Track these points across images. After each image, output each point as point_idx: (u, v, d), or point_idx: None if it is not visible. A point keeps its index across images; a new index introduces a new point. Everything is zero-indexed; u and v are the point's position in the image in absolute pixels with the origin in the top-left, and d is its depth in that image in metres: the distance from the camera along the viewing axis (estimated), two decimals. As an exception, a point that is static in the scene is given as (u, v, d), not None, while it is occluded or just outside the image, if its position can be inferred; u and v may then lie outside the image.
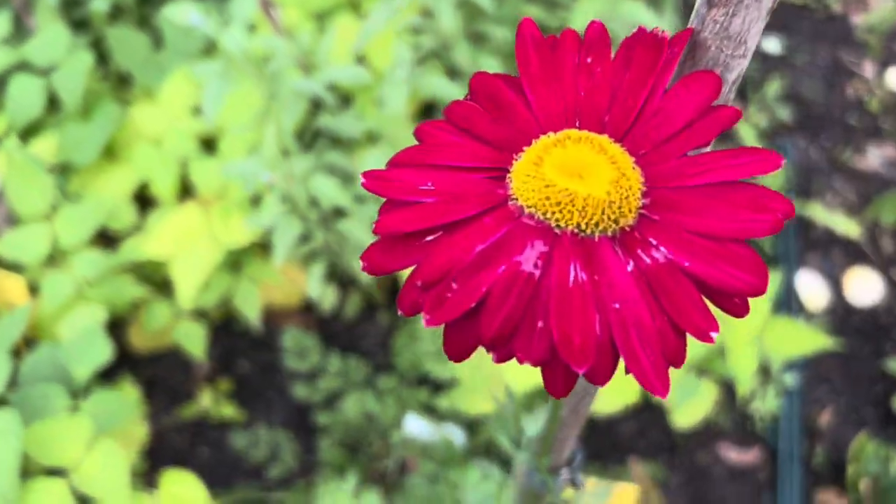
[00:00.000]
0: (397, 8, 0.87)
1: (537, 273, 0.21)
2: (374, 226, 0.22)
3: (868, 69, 1.51)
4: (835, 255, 1.27)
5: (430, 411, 1.06)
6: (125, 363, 1.13)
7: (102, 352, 0.95)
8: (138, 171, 1.10)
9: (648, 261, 0.21)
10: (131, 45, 1.19)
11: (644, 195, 0.22)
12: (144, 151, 1.10)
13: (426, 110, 1.17)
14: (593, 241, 0.21)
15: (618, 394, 0.94)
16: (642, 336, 0.20)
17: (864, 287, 1.23)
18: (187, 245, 1.03)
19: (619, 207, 0.22)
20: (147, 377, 1.15)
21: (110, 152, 1.14)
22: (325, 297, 1.16)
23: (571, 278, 0.21)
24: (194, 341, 1.09)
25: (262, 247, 1.13)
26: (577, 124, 0.24)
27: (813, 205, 1.26)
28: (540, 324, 0.21)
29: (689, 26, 0.24)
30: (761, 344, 0.98)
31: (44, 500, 0.83)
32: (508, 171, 0.23)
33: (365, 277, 1.09)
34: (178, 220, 1.05)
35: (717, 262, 0.21)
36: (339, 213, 1.03)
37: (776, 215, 0.21)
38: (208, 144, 1.13)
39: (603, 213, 0.21)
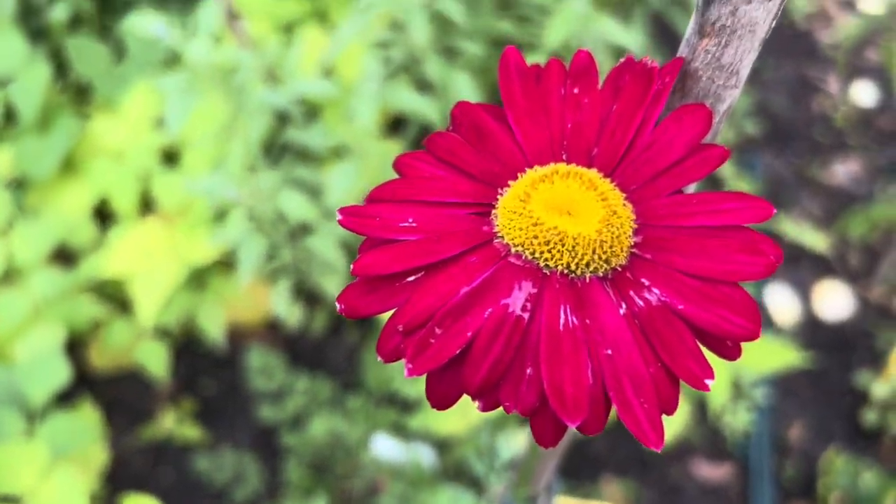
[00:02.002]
0: (368, 21, 0.85)
1: (526, 316, 0.20)
2: (352, 266, 0.20)
3: (833, 84, 1.53)
4: (804, 268, 1.28)
5: (400, 431, 1.04)
6: (85, 384, 1.10)
7: (60, 374, 0.92)
8: (98, 186, 1.07)
9: (641, 303, 0.20)
10: (91, 56, 1.16)
11: (635, 233, 0.21)
12: (104, 165, 1.07)
13: (396, 124, 1.16)
14: (584, 283, 0.20)
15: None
16: (636, 384, 0.19)
17: (832, 301, 1.24)
18: (149, 262, 1.00)
19: (611, 247, 0.20)
20: (107, 398, 1.12)
21: (69, 166, 1.11)
22: (291, 314, 1.14)
23: (562, 322, 0.19)
24: (156, 361, 1.06)
25: (227, 264, 1.11)
26: (564, 157, 0.22)
27: (781, 218, 1.27)
28: (529, 371, 0.19)
29: (679, 55, 0.23)
30: (736, 362, 0.98)
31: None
32: (494, 207, 0.22)
33: (331, 295, 1.07)
34: (140, 236, 1.02)
35: (711, 305, 0.20)
36: (305, 229, 1.01)
37: (769, 258, 0.20)
38: (171, 158, 1.10)
39: (594, 252, 0.20)
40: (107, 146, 1.10)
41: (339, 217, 0.21)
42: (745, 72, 0.22)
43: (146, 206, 1.07)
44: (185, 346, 1.17)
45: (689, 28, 0.22)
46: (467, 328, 0.19)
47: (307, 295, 1.17)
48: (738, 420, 1.07)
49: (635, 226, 0.21)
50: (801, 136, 1.45)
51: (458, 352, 0.19)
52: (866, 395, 1.12)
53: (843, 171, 1.39)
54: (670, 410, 0.20)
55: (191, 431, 1.09)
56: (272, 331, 1.18)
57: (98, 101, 1.17)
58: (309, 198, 0.95)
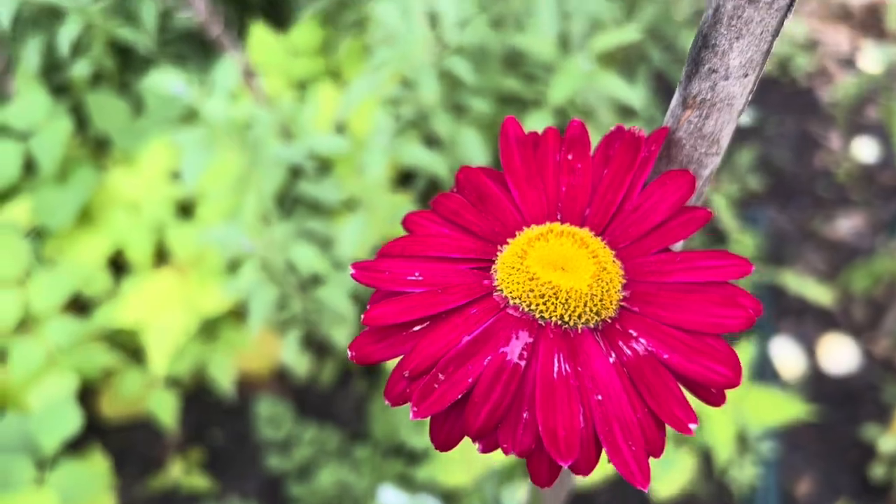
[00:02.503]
0: (379, 79, 0.88)
1: (522, 364, 0.21)
2: (362, 317, 0.22)
3: (835, 141, 1.56)
4: (808, 322, 1.29)
5: (407, 482, 1.05)
6: (95, 432, 1.11)
7: (72, 422, 0.93)
8: (114, 237, 1.09)
9: (629, 352, 0.22)
10: (111, 111, 1.20)
11: (624, 287, 0.23)
12: (120, 217, 1.10)
13: (405, 178, 1.19)
14: (576, 333, 0.22)
15: (597, 467, 0.94)
16: (624, 428, 0.21)
17: (838, 355, 1.25)
18: (162, 312, 1.02)
19: (601, 300, 0.22)
20: (117, 447, 1.12)
21: (86, 217, 1.13)
22: (300, 364, 1.15)
23: (556, 370, 0.21)
24: (166, 410, 1.07)
25: (237, 314, 1.13)
26: (558, 218, 0.24)
27: (785, 272, 1.28)
28: (525, 415, 0.21)
29: (664, 125, 0.25)
30: (738, 413, 0.98)
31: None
32: (493, 263, 0.23)
33: (340, 345, 1.08)
34: (153, 287, 1.04)
35: (695, 355, 0.22)
36: (316, 280, 1.03)
37: (748, 312, 0.22)
38: (186, 210, 1.13)
39: (585, 305, 0.22)
40: (123, 198, 1.13)
41: (352, 271, 0.23)
42: (725, 141, 0.24)
43: (161, 256, 1.10)
44: (195, 395, 1.18)
45: (674, 100, 0.24)
46: (468, 375, 0.21)
47: (316, 346, 1.18)
48: (744, 474, 1.07)
49: (624, 281, 0.23)
50: (804, 191, 1.47)
51: (459, 397, 0.21)
52: (873, 448, 1.12)
53: (847, 225, 1.40)
54: (656, 453, 0.21)
55: (199, 481, 1.10)
56: (281, 381, 1.19)
57: (116, 154, 1.20)
58: (320, 249, 0.97)
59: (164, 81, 0.88)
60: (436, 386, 0.21)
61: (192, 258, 1.07)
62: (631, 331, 0.22)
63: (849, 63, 1.68)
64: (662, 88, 1.51)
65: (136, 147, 1.17)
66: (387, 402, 0.22)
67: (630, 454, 0.21)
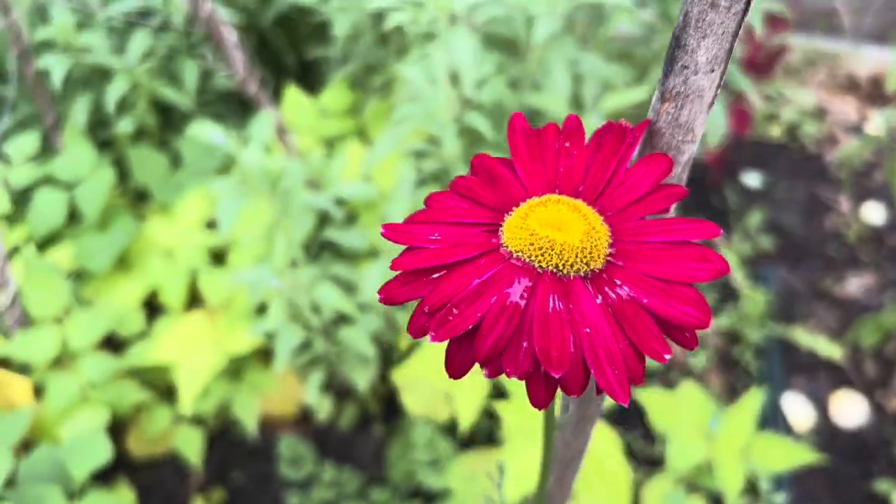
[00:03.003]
0: (402, 133, 0.95)
1: (523, 303, 0.26)
2: (391, 263, 0.26)
3: (844, 204, 1.60)
4: (820, 378, 1.31)
5: (423, 523, 1.06)
6: (121, 468, 1.14)
7: (103, 453, 0.97)
8: (149, 280, 1.15)
9: (614, 296, 0.26)
10: (151, 165, 1.27)
11: (611, 246, 0.27)
12: (156, 262, 1.16)
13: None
14: (569, 279, 0.26)
15: None
16: (608, 356, 0.25)
17: (849, 410, 1.26)
18: (191, 351, 1.06)
19: (590, 253, 0.27)
20: (142, 484, 1.15)
21: (124, 262, 1.20)
22: (322, 406, 1.19)
23: (551, 307, 0.25)
24: (192, 448, 1.10)
25: (263, 357, 1.17)
26: (556, 192, 0.29)
27: (796, 329, 1.30)
28: (525, 343, 0.25)
29: (647, 118, 0.30)
30: (748, 458, 1.00)
31: None
32: (501, 226, 0.28)
33: (361, 387, 1.12)
34: (184, 328, 1.09)
35: (670, 300, 0.26)
36: (340, 321, 1.07)
37: (716, 265, 0.26)
38: (218, 258, 1.19)
39: (576, 257, 0.26)
40: (159, 245, 1.19)
41: (382, 231, 0.28)
42: (699, 130, 0.29)
43: (193, 300, 1.15)
44: (219, 435, 1.21)
45: (654, 96, 0.29)
46: (478, 311, 0.25)
47: (337, 388, 1.22)
48: (758, 523, 1.08)
49: (610, 240, 0.27)
50: (814, 252, 1.51)
51: (470, 327, 0.25)
52: (886, 502, 1.12)
53: (857, 284, 1.43)
54: (637, 380, 0.25)
55: (219, 520, 1.12)
56: (302, 423, 1.22)
57: (154, 204, 1.27)
58: (344, 293, 1.02)
59: (205, 132, 0.94)
60: (450, 318, 0.25)
61: (222, 302, 1.12)
62: (616, 280, 0.26)
63: (856, 131, 1.74)
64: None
65: (173, 199, 1.24)
66: (409, 335, 0.26)
67: (613, 376, 0.25)
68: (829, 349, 1.27)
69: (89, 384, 1.05)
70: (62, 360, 1.07)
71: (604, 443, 0.97)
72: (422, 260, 0.26)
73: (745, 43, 1.38)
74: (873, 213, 1.57)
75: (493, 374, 0.25)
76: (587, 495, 0.95)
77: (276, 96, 1.37)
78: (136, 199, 1.31)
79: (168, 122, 1.38)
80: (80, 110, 1.26)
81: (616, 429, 1.22)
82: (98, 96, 1.29)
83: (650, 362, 1.29)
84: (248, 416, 1.12)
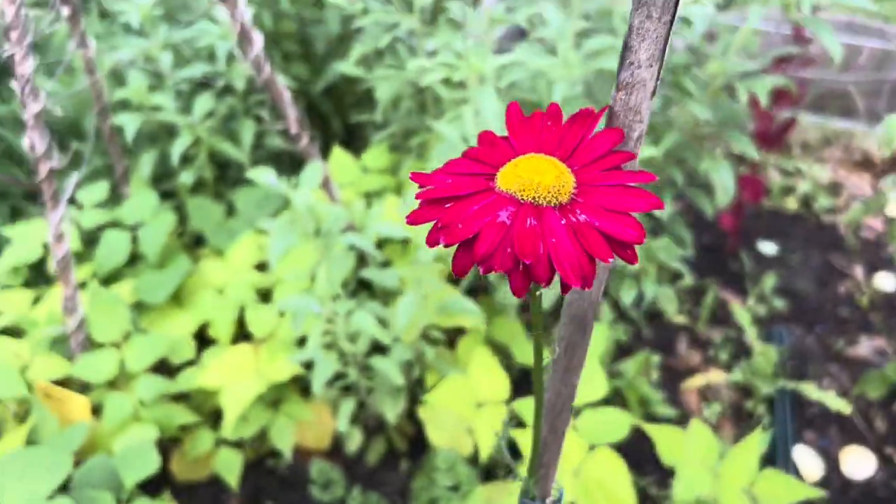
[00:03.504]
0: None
1: (508, 222, 0.35)
2: (416, 195, 0.36)
3: (858, 272, 1.67)
4: (831, 433, 1.36)
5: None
6: (164, 488, 1.22)
7: (151, 464, 1.06)
8: (201, 314, 1.26)
9: (574, 220, 0.35)
10: (207, 213, 1.40)
11: (575, 187, 0.37)
12: (208, 298, 1.27)
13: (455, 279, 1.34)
14: (542, 207, 0.36)
15: None
16: (566, 255, 0.34)
17: (859, 462, 1.30)
18: (236, 377, 1.16)
19: (559, 191, 0.36)
20: (181, 505, 1.23)
21: (178, 297, 1.31)
22: (353, 437, 1.27)
23: (528, 224, 0.35)
24: (231, 470, 1.19)
25: (302, 391, 1.26)
26: (539, 152, 0.39)
27: (806, 384, 1.36)
28: (508, 249, 0.35)
29: (609, 105, 0.40)
30: (752, 495, 1.05)
31: (84, 586, 0.90)
32: (496, 174, 0.38)
33: (391, 419, 1.20)
34: (230, 357, 1.19)
35: (615, 223, 0.35)
36: (374, 351, 1.17)
37: (650, 200, 0.36)
38: (264, 296, 1.30)
39: (549, 192, 0.36)
40: (212, 283, 1.30)
41: (411, 175, 0.38)
42: (645, 113, 0.39)
43: (240, 333, 1.25)
44: (255, 464, 1.29)
45: (614, 88, 0.39)
46: (476, 226, 0.35)
47: (366, 423, 1.30)
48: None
49: (575, 184, 0.37)
50: (828, 316, 1.57)
51: (471, 236, 0.35)
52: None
53: (869, 346, 1.49)
54: (589, 280, 0.35)
55: (252, 540, 1.19)
56: (333, 455, 1.29)
57: (208, 248, 1.39)
58: (378, 325, 1.12)
59: (261, 175, 1.07)
60: (457, 230, 0.35)
61: (266, 335, 1.22)
62: (577, 210, 0.36)
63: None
64: (685, 210, 1.66)
65: (226, 244, 1.36)
66: (427, 245, 0.36)
67: (569, 268, 0.34)
68: (839, 404, 1.32)
69: (141, 403, 1.15)
70: (118, 381, 1.18)
71: (612, 472, 1.04)
72: (438, 193, 0.36)
73: (757, 118, 1.49)
74: (886, 281, 1.63)
75: (486, 270, 0.35)
76: (597, 518, 1.01)
77: (324, 155, 1.50)
78: (193, 243, 1.44)
79: (223, 176, 1.52)
80: (146, 163, 1.40)
81: (632, 471, 1.27)
82: (163, 151, 1.44)
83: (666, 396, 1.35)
84: (284, 443, 1.20)
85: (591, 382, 1.13)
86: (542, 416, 0.51)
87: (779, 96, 1.44)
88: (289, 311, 1.10)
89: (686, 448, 1.10)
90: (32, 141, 1.06)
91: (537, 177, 0.36)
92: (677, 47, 1.23)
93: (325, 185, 1.26)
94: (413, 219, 0.37)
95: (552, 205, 0.36)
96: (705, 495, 1.05)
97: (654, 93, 0.39)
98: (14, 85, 1.04)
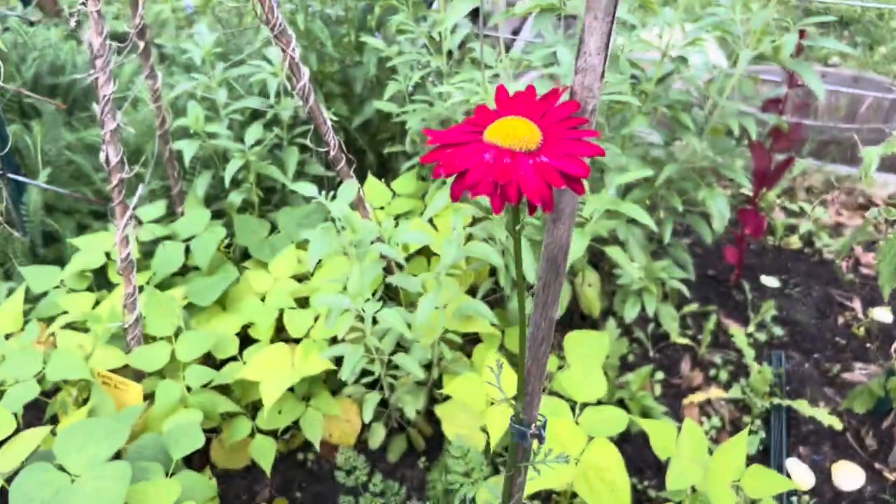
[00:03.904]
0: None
1: (491, 161, 0.49)
2: (426, 142, 0.50)
3: (857, 304, 1.77)
4: (824, 448, 1.44)
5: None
6: (206, 469, 1.35)
7: (197, 440, 1.19)
8: (244, 317, 1.40)
9: (538, 161, 0.49)
10: (252, 230, 1.56)
11: (541, 140, 0.50)
12: (251, 302, 1.42)
13: (473, 291, 1.47)
14: (516, 152, 0.49)
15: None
16: (531, 183, 0.48)
17: (849, 475, 1.39)
18: (273, 370, 1.29)
19: (529, 140, 0.50)
20: (218, 491, 1.35)
21: (224, 302, 1.46)
22: (376, 433, 1.39)
23: (504, 161, 0.49)
24: (265, 457, 1.31)
25: (332, 391, 1.39)
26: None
27: (800, 402, 1.45)
28: (490, 179, 0.48)
29: (571, 85, 0.54)
30: (739, 489, 1.15)
31: (137, 536, 1.03)
32: (484, 131, 0.52)
33: (411, 414, 1.32)
34: (269, 354, 1.32)
35: (568, 163, 0.49)
36: (397, 349, 1.29)
37: (594, 149, 0.49)
38: (301, 303, 1.44)
39: (521, 141, 0.50)
40: (255, 290, 1.45)
41: (423, 130, 0.51)
42: (597, 90, 0.53)
43: (278, 333, 1.39)
44: (285, 457, 1.42)
45: (574, 71, 0.53)
46: (468, 163, 0.49)
47: (388, 423, 1.42)
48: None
49: (542, 137, 0.51)
50: (826, 343, 1.67)
51: (464, 169, 0.49)
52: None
53: (864, 372, 1.58)
54: (548, 203, 0.48)
55: (282, 522, 1.30)
56: (358, 451, 1.41)
57: (252, 261, 1.54)
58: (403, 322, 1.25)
59: (305, 188, 1.22)
60: (454, 164, 0.49)
61: (302, 335, 1.36)
62: (541, 154, 0.49)
63: (872, 245, 1.92)
64: (692, 244, 1.78)
65: (268, 257, 1.51)
66: (433, 176, 0.49)
67: (534, 193, 0.48)
68: (830, 419, 1.41)
69: (189, 390, 1.28)
70: (169, 371, 1.31)
71: (607, 458, 1.14)
72: (442, 141, 0.50)
73: (756, 158, 1.62)
74: (883, 314, 1.73)
75: (474, 195, 0.48)
76: (593, 498, 1.11)
77: (359, 183, 1.66)
78: (239, 257, 1.59)
79: (267, 200, 1.68)
80: (201, 184, 1.57)
81: (633, 476, 1.37)
82: (215, 175, 1.61)
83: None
84: (314, 434, 1.32)
85: (593, 383, 1.24)
86: (525, 348, 0.64)
87: (776, 138, 1.57)
88: (324, 308, 1.24)
89: (679, 443, 1.20)
90: (108, 154, 1.23)
91: (513, 131, 0.50)
92: (677, 86, 1.37)
93: (360, 203, 1.41)
94: (425, 159, 0.51)
95: (523, 150, 0.50)
96: (695, 483, 1.15)
97: (602, 75, 0.52)
98: (95, 107, 1.21)
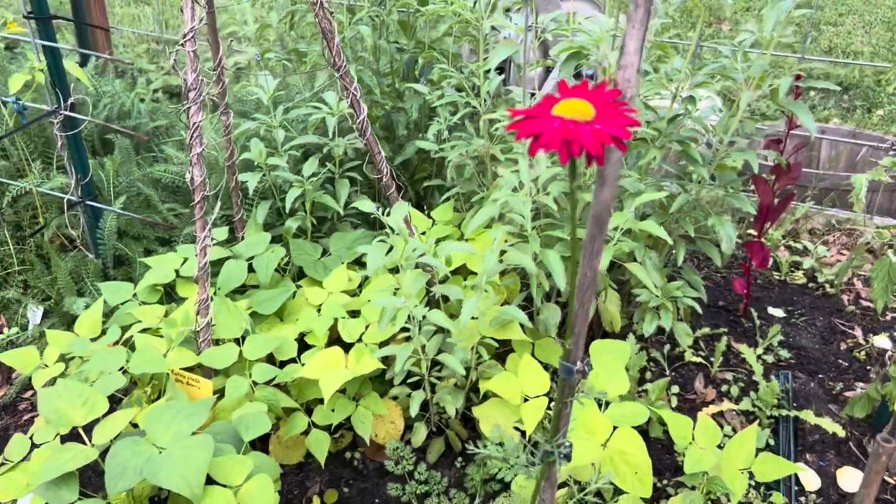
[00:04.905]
0: (497, 209, 1.38)
1: (559, 127, 0.66)
2: (511, 114, 0.67)
3: (858, 332, 1.91)
4: (829, 456, 1.57)
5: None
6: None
7: (264, 425, 1.33)
8: (302, 325, 1.56)
9: (593, 127, 0.66)
10: (307, 253, 1.73)
11: (594, 114, 0.68)
12: (308, 313, 1.58)
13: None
14: (576, 122, 0.67)
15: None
16: (587, 140, 0.65)
17: (853, 479, 1.51)
18: (329, 370, 1.44)
19: (585, 114, 0.67)
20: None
21: (282, 314, 1.62)
22: (419, 432, 1.53)
23: (569, 127, 0.66)
24: (320, 449, 1.45)
25: (380, 394, 1.53)
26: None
27: (805, 412, 1.59)
28: (560, 138, 0.66)
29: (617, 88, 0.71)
30: (750, 474, 1.28)
31: (218, 499, 1.17)
32: (550, 109, 0.69)
33: (451, 412, 1.46)
34: (325, 356, 1.47)
35: (615, 129, 0.66)
36: (441, 351, 1.44)
37: (632, 121, 0.67)
38: (353, 314, 1.60)
39: (579, 114, 0.67)
40: (311, 302, 1.61)
41: (507, 109, 0.69)
42: (633, 81, 0.70)
43: (332, 340, 1.55)
44: (335, 456, 1.55)
45: (618, 71, 0.70)
46: (542, 128, 0.66)
47: (429, 425, 1.55)
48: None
49: (595, 113, 0.68)
50: (830, 366, 1.81)
51: (538, 133, 0.66)
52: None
53: (865, 390, 1.71)
54: (600, 158, 0.65)
55: (334, 508, 1.43)
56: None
57: (307, 280, 1.71)
58: (441, 335, 1.40)
59: (365, 204, 1.40)
60: (531, 130, 0.66)
61: (354, 340, 1.51)
62: (595, 123, 0.67)
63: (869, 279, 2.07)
64: (697, 267, 1.94)
65: (321, 276, 1.68)
66: (517, 140, 0.67)
67: (591, 145, 0.65)
68: (834, 427, 1.54)
69: (255, 385, 1.43)
70: (236, 370, 1.47)
71: (631, 444, 1.28)
72: (522, 114, 0.68)
73: (760, 194, 1.79)
74: (883, 342, 1.87)
75: (547, 149, 0.66)
76: (617, 478, 1.25)
77: (400, 213, 1.83)
78: (294, 277, 1.76)
79: (318, 228, 1.86)
80: (261, 212, 1.75)
81: (655, 476, 1.50)
82: (272, 205, 1.79)
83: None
84: (364, 429, 1.46)
85: (617, 382, 1.39)
86: (574, 294, 0.80)
87: (778, 175, 1.74)
88: (378, 309, 1.40)
89: (696, 434, 1.34)
90: (193, 174, 1.41)
91: (574, 108, 0.68)
92: (685, 123, 1.56)
93: (407, 224, 1.59)
94: (509, 127, 0.68)
95: (581, 120, 0.67)
96: (709, 468, 1.29)
97: (638, 69, 0.70)
98: (184, 132, 1.40)
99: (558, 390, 0.86)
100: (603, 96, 0.70)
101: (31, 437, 1.38)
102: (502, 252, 1.47)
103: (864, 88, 3.67)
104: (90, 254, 1.85)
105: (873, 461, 0.98)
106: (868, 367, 1.80)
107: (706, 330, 1.82)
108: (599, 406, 1.37)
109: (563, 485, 1.39)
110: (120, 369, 1.41)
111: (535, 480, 0.99)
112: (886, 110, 3.45)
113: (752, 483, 1.47)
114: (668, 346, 1.81)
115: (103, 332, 1.59)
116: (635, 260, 1.57)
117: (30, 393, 1.76)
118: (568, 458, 0.89)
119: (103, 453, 1.24)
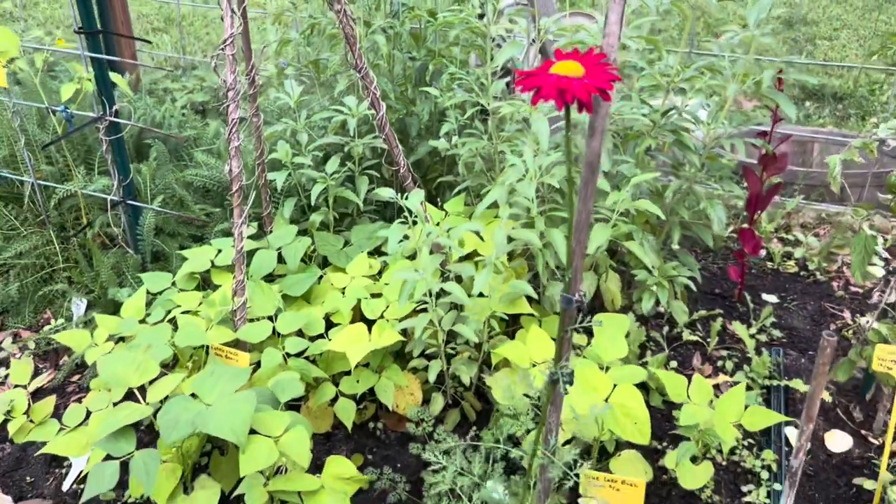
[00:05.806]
0: (506, 191, 1.52)
1: (555, 81, 0.81)
2: (516, 73, 0.82)
3: (847, 315, 2.04)
4: (818, 422, 1.69)
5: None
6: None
7: (298, 389, 1.47)
8: (328, 306, 1.70)
9: (583, 82, 0.81)
10: (330, 243, 1.88)
11: (584, 72, 0.82)
12: (333, 295, 1.72)
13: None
14: (569, 77, 0.81)
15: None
16: (577, 90, 0.79)
17: (839, 440, 1.63)
18: (354, 343, 1.58)
19: (577, 71, 0.82)
20: (306, 447, 1.61)
21: (309, 297, 1.76)
22: (436, 401, 1.66)
23: (564, 81, 0.80)
24: (347, 415, 1.58)
25: (399, 363, 1.67)
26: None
27: (795, 380, 1.71)
28: (556, 88, 0.80)
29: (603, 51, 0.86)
30: (740, 425, 1.41)
31: (260, 447, 1.30)
32: (549, 69, 0.84)
33: (466, 381, 1.59)
34: (350, 332, 1.61)
35: (601, 82, 0.81)
36: (455, 322, 1.58)
37: (614, 77, 0.82)
38: (374, 296, 1.74)
39: (572, 71, 0.81)
40: (335, 286, 1.76)
41: (514, 70, 0.83)
42: (615, 46, 0.85)
43: (356, 318, 1.69)
44: (358, 427, 1.68)
45: (607, 43, 0.85)
46: (541, 83, 0.81)
47: (445, 396, 1.69)
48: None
49: (584, 71, 0.83)
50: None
51: (538, 86, 0.81)
52: (864, 491, 1.47)
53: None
54: (589, 106, 0.80)
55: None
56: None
57: (331, 268, 1.86)
58: (456, 309, 1.54)
59: (385, 192, 1.55)
60: (532, 85, 0.81)
61: (376, 317, 1.65)
62: (584, 78, 0.82)
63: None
64: (695, 253, 2.07)
65: (343, 264, 1.83)
66: (525, 94, 0.81)
67: (580, 93, 0.79)
68: (822, 394, 1.66)
69: (287, 356, 1.57)
70: (269, 344, 1.61)
71: (630, 398, 1.41)
72: (525, 74, 0.83)
73: (749, 184, 1.93)
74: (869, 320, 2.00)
75: (546, 100, 0.80)
76: (618, 429, 1.37)
77: (416, 207, 1.98)
78: (319, 265, 1.91)
79: (340, 222, 2.01)
80: (287, 207, 1.90)
81: (652, 442, 1.62)
82: (297, 201, 1.94)
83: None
84: (387, 397, 1.60)
85: (616, 347, 1.52)
86: (572, 231, 0.94)
87: (766, 164, 1.89)
88: (399, 282, 1.55)
89: (690, 392, 1.47)
90: (231, 166, 1.57)
91: (567, 67, 0.83)
92: (678, 117, 1.70)
93: (422, 209, 1.73)
94: (516, 84, 0.83)
95: (573, 77, 0.82)
96: (701, 421, 1.41)
97: (619, 38, 0.85)
98: (223, 128, 1.56)
99: (559, 320, 1.00)
100: (591, 59, 0.85)
101: (86, 407, 1.53)
102: (509, 238, 1.61)
103: (858, 98, 3.82)
104: (130, 250, 2.00)
105: (820, 354, 1.14)
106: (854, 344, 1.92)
107: (703, 312, 1.95)
108: (601, 369, 1.50)
109: (568, 442, 1.52)
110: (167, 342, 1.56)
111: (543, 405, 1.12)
112: (880, 118, 3.59)
113: (745, 443, 1.59)
114: (666, 328, 1.94)
115: (147, 315, 1.74)
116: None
117: (76, 377, 1.91)
118: (570, 381, 1.03)
119: (156, 412, 1.38)
